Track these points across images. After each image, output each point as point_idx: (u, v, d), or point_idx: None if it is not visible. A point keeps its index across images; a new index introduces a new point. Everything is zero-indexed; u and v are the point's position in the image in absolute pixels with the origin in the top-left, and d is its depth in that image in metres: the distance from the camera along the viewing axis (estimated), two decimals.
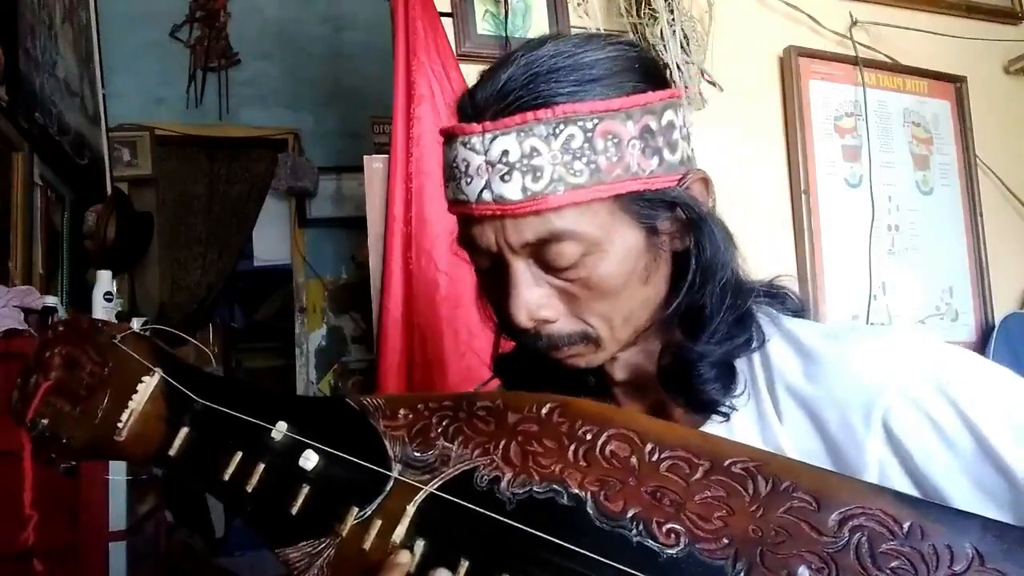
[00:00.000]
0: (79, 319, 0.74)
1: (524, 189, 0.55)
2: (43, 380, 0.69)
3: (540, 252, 0.58)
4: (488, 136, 0.56)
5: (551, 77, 0.57)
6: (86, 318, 0.74)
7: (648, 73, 0.61)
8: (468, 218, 0.60)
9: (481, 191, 0.57)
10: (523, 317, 0.59)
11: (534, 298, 0.59)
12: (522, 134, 0.55)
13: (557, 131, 0.55)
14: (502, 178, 0.56)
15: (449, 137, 0.60)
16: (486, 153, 0.56)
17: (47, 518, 0.72)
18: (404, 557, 0.52)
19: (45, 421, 0.68)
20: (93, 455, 0.69)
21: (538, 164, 0.55)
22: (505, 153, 0.56)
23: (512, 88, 0.57)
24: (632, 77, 0.59)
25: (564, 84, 0.57)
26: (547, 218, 0.56)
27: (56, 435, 0.68)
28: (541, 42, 0.60)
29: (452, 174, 0.60)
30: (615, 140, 0.56)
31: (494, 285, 0.63)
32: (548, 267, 0.59)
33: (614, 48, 0.60)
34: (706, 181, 0.63)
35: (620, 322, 0.61)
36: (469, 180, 0.58)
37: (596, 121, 0.56)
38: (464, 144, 0.58)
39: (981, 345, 1.88)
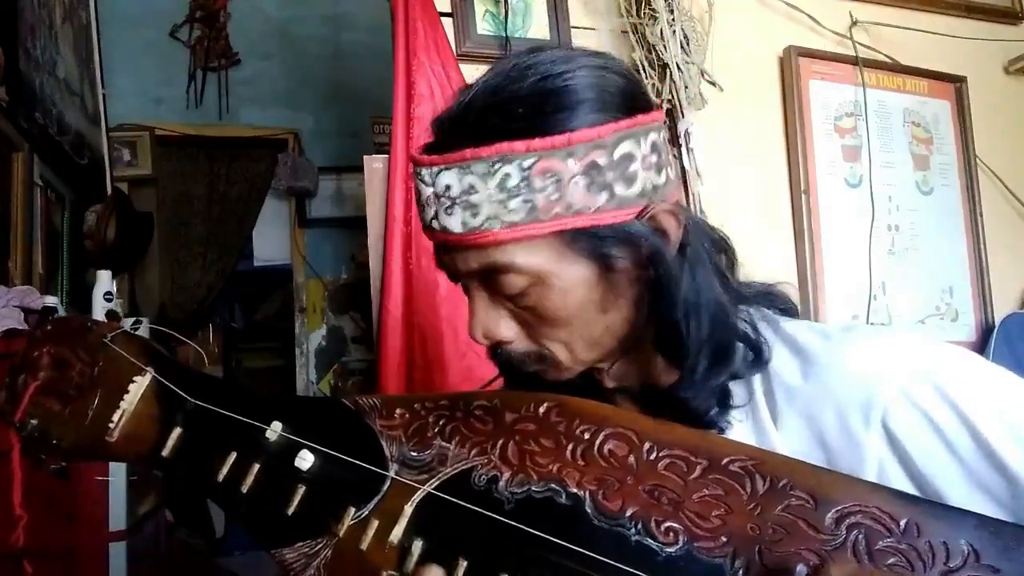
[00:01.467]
0: (69, 318, 0.73)
1: (464, 223, 0.57)
2: (31, 380, 0.68)
3: (488, 280, 0.60)
4: (435, 169, 0.58)
5: (500, 111, 0.57)
6: (76, 317, 0.73)
7: (607, 104, 0.58)
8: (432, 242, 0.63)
9: (431, 220, 0.59)
10: (479, 335, 0.62)
11: (491, 319, 0.61)
12: (461, 171, 0.56)
13: (493, 169, 0.55)
14: (446, 211, 0.57)
15: (413, 165, 0.62)
16: (433, 185, 0.58)
17: (47, 518, 0.71)
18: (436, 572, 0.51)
19: (35, 421, 0.66)
20: (84, 456, 0.67)
21: (475, 201, 0.56)
22: (448, 188, 0.57)
23: (463, 121, 0.58)
24: (589, 108, 0.57)
25: (510, 120, 0.56)
26: (488, 251, 0.58)
27: (46, 436, 0.66)
28: (502, 69, 0.60)
29: (417, 200, 0.62)
30: (555, 178, 0.55)
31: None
32: (499, 294, 0.60)
33: (575, 77, 0.57)
34: (674, 213, 0.60)
35: (582, 347, 0.62)
36: (422, 209, 0.60)
37: (534, 159, 0.55)
38: (417, 175, 0.60)
39: (981, 345, 1.87)
